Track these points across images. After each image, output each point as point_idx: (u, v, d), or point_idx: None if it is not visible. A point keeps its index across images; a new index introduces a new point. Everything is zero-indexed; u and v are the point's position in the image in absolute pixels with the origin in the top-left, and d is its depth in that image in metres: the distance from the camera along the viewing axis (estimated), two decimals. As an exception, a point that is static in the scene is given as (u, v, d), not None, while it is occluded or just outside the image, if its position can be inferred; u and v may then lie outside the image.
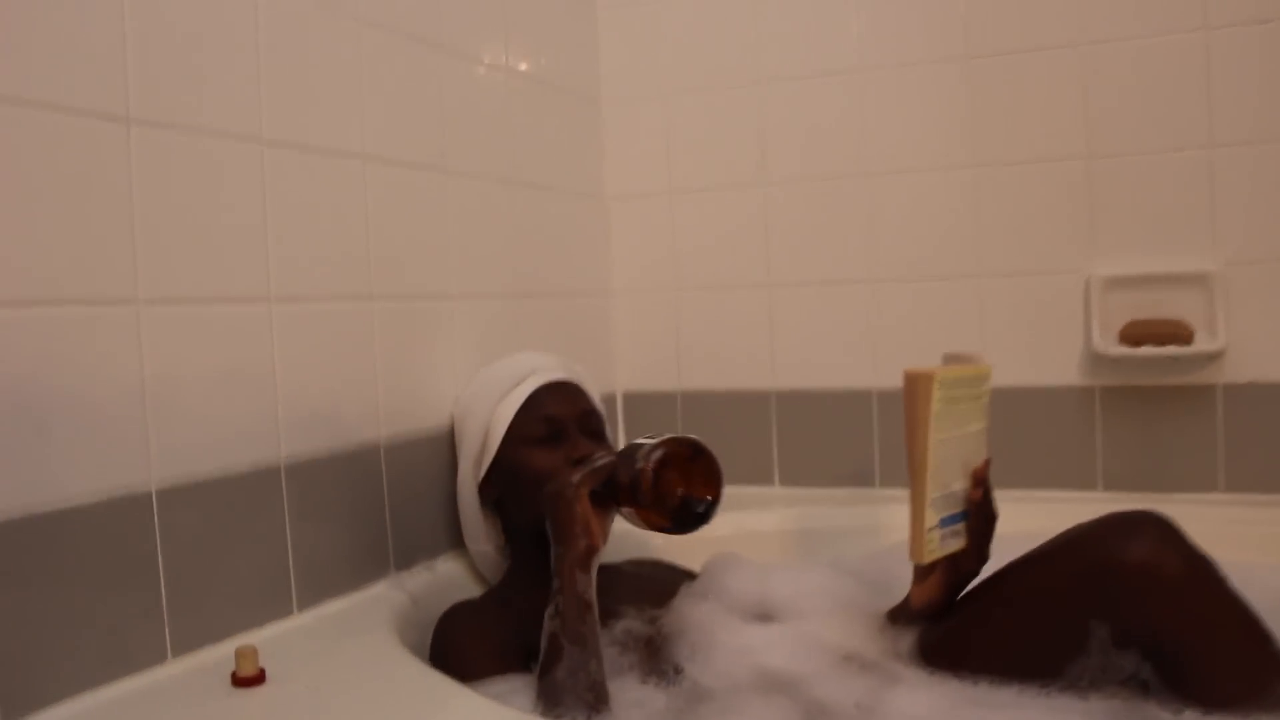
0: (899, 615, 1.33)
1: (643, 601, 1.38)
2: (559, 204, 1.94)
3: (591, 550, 1.19)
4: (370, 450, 1.41)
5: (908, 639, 1.30)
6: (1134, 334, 1.72)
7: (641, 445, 1.20)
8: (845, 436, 1.98)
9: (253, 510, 1.21)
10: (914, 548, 1.19)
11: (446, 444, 1.56)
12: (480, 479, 1.44)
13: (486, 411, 1.43)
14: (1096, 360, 1.80)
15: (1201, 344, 1.70)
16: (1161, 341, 1.70)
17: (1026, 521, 1.44)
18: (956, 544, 1.21)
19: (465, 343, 1.62)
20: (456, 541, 1.56)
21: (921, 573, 1.27)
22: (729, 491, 2.01)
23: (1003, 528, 1.74)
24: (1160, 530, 1.08)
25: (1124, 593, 1.06)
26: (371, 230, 1.43)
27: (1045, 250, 1.84)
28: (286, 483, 1.26)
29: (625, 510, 1.21)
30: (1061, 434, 1.84)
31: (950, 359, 1.28)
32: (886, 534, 1.75)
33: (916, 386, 1.17)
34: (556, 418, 1.39)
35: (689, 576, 1.50)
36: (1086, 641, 1.08)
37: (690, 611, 1.38)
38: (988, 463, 1.22)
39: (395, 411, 1.46)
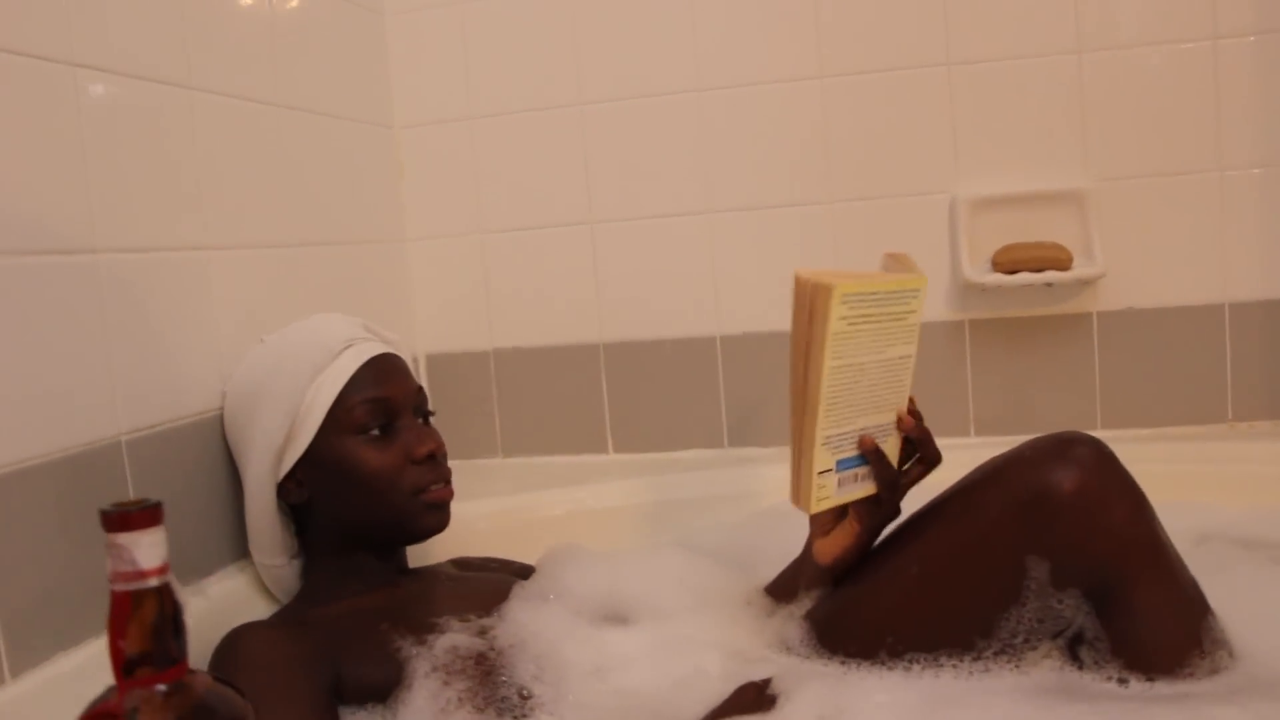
0: (790, 583, 1.11)
1: (467, 609, 1.13)
2: (340, 134, 1.59)
3: None
4: (107, 450, 1.05)
5: (794, 625, 1.07)
6: (1008, 260, 1.55)
7: None
8: (688, 392, 1.74)
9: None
10: (798, 493, 0.96)
11: (214, 433, 1.22)
12: (281, 477, 1.13)
13: (292, 394, 1.12)
14: (966, 291, 1.62)
15: (1080, 268, 1.55)
16: (1039, 267, 1.54)
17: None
18: (862, 490, 0.99)
19: (231, 305, 1.27)
20: (233, 554, 1.23)
21: (824, 521, 1.05)
22: (559, 462, 1.76)
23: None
24: (1098, 453, 0.94)
25: (1063, 522, 0.91)
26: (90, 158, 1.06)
27: (905, 170, 1.64)
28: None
29: None
30: (928, 375, 1.64)
31: (891, 261, 1.02)
32: (746, 501, 1.54)
33: (812, 298, 0.90)
34: (389, 401, 1.14)
35: (526, 572, 1.28)
36: (1022, 584, 0.93)
37: (529, 618, 1.14)
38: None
39: (138, 397, 1.10)
